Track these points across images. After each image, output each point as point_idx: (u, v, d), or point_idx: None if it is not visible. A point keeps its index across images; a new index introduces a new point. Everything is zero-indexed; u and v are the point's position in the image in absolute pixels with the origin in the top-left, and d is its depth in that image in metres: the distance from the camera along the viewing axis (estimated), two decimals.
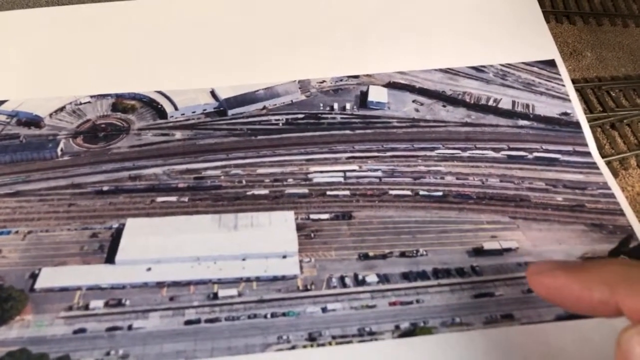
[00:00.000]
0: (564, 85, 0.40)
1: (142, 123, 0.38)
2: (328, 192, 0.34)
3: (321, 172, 0.35)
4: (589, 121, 0.39)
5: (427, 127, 0.38)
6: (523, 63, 0.42)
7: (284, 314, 0.29)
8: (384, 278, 0.30)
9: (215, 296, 0.29)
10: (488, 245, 0.32)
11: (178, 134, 0.37)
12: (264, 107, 0.39)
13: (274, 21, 0.44)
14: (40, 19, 0.43)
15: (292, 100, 0.39)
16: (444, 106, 0.39)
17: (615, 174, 0.39)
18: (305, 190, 0.34)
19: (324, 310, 0.29)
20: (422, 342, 0.28)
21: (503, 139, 0.37)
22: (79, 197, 0.34)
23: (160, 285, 0.30)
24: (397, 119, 0.38)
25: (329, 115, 0.39)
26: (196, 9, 0.45)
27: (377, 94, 0.40)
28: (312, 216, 0.33)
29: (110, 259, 0.31)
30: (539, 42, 0.43)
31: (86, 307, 0.29)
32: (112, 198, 0.34)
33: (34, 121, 0.38)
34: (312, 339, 0.28)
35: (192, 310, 0.29)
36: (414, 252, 0.32)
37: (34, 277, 0.30)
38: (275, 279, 0.30)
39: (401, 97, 0.40)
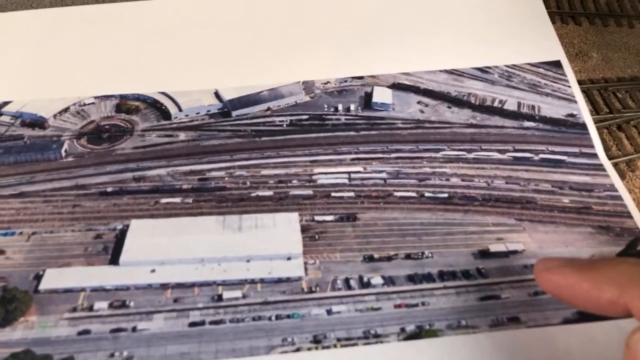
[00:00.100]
0: (570, 87, 0.40)
1: (146, 124, 0.38)
2: (333, 194, 0.34)
3: (326, 173, 0.35)
4: (595, 122, 0.39)
5: (432, 129, 0.38)
6: (528, 64, 0.42)
7: (288, 316, 0.29)
8: (389, 280, 0.30)
9: (220, 298, 0.29)
10: (494, 247, 0.32)
11: (182, 135, 0.37)
12: (268, 108, 0.39)
13: (278, 22, 0.44)
14: (43, 20, 0.43)
15: (296, 102, 0.39)
16: (449, 107, 0.39)
17: (622, 175, 0.39)
18: (309, 192, 0.34)
19: (329, 312, 0.29)
20: (428, 345, 0.28)
21: (509, 140, 0.37)
22: (83, 198, 0.34)
23: (164, 286, 0.30)
24: (401, 120, 0.38)
25: (334, 117, 0.38)
26: (200, 10, 0.45)
27: (381, 95, 0.39)
28: (316, 218, 0.33)
29: (114, 260, 0.31)
30: (545, 43, 0.43)
31: (90, 309, 0.29)
32: (116, 199, 0.34)
33: (38, 122, 0.37)
34: (317, 341, 0.28)
35: (197, 311, 0.29)
36: (420, 254, 0.31)
37: (38, 278, 0.30)
38: (279, 280, 0.30)
39: (406, 98, 0.39)
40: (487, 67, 0.41)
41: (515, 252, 0.31)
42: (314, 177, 0.35)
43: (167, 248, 0.31)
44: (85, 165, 0.35)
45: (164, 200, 0.34)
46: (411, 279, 0.30)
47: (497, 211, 0.34)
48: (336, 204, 0.34)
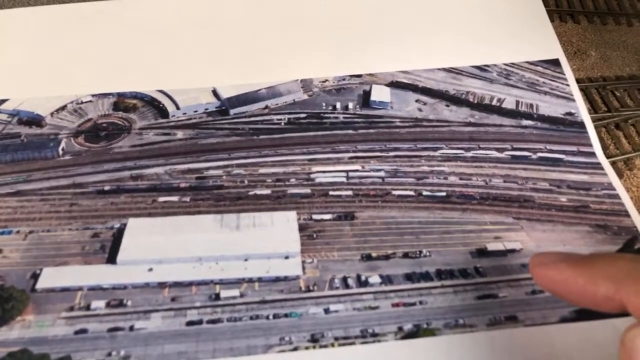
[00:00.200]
0: (568, 85, 0.40)
1: (144, 122, 0.38)
2: (330, 192, 0.34)
3: (324, 172, 0.35)
4: (593, 121, 0.39)
5: (430, 127, 0.38)
6: (527, 62, 0.41)
7: (286, 315, 0.29)
8: (386, 279, 0.30)
9: (217, 297, 0.29)
10: (492, 246, 0.32)
11: (180, 134, 0.37)
12: (266, 107, 0.39)
13: (276, 20, 0.44)
14: (41, 18, 0.43)
15: (294, 100, 0.39)
16: (447, 106, 0.39)
17: (620, 174, 0.39)
18: (307, 191, 0.34)
19: (327, 311, 0.29)
20: (425, 344, 0.28)
21: (507, 139, 0.37)
22: (81, 197, 0.33)
23: (162, 285, 0.30)
24: (400, 119, 0.38)
25: (332, 115, 0.38)
26: (198, 8, 0.44)
27: (379, 94, 0.39)
28: (314, 216, 0.33)
29: (111, 259, 0.31)
30: (543, 42, 0.43)
31: (87, 308, 0.29)
32: (114, 198, 0.33)
33: (35, 120, 0.37)
34: (315, 340, 0.28)
35: (194, 310, 0.29)
36: (417, 253, 0.31)
37: (35, 277, 0.30)
38: (277, 279, 0.30)
39: (404, 96, 0.39)
40: (485, 65, 0.41)
41: (513, 250, 0.31)
42: (312, 176, 0.35)
43: (164, 247, 0.31)
44: (83, 163, 0.35)
45: (161, 199, 0.34)
46: (409, 277, 0.30)
47: (495, 210, 0.34)
48: (334, 203, 0.34)
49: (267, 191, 0.34)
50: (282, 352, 0.27)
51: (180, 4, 0.45)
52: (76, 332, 0.28)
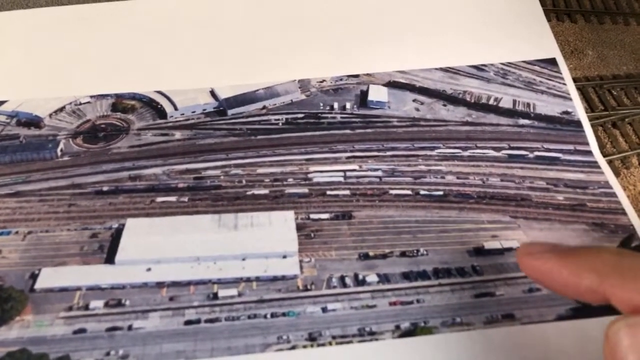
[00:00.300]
0: (565, 84, 0.40)
1: (142, 123, 0.38)
2: (328, 192, 0.34)
3: (321, 171, 0.35)
4: (590, 120, 0.39)
5: (427, 127, 0.38)
6: (524, 62, 0.42)
7: (284, 314, 0.29)
8: (384, 278, 0.30)
9: (215, 296, 0.29)
10: (489, 244, 0.32)
11: (178, 134, 0.37)
12: (264, 107, 0.39)
13: (274, 21, 0.44)
14: (39, 19, 0.43)
15: (292, 100, 0.39)
16: (444, 105, 0.39)
17: (616, 173, 0.39)
18: (305, 190, 0.34)
19: (324, 310, 0.29)
20: (423, 342, 0.28)
21: (504, 138, 0.37)
22: (79, 198, 0.34)
23: (160, 285, 0.30)
24: (397, 118, 0.38)
25: (329, 115, 0.38)
26: (196, 9, 0.45)
27: (377, 93, 0.40)
28: (312, 216, 0.33)
29: (110, 259, 0.31)
30: (540, 41, 0.43)
31: (86, 308, 0.29)
32: (112, 198, 0.34)
33: (33, 121, 0.37)
34: (312, 339, 0.28)
35: (192, 310, 0.29)
36: (415, 251, 0.31)
37: (34, 277, 0.30)
38: (275, 279, 0.30)
39: (401, 96, 0.40)
40: (482, 64, 0.41)
41: (510, 249, 0.32)
42: (310, 176, 0.35)
43: (162, 247, 0.31)
44: (81, 164, 0.35)
45: (159, 199, 0.34)
46: (406, 276, 0.30)
47: (492, 208, 0.34)
48: (332, 202, 0.34)
49: (265, 191, 0.34)
50: (280, 351, 0.27)
51: (178, 5, 0.45)
52: (75, 332, 0.28)
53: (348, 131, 0.38)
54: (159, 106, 0.39)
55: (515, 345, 0.28)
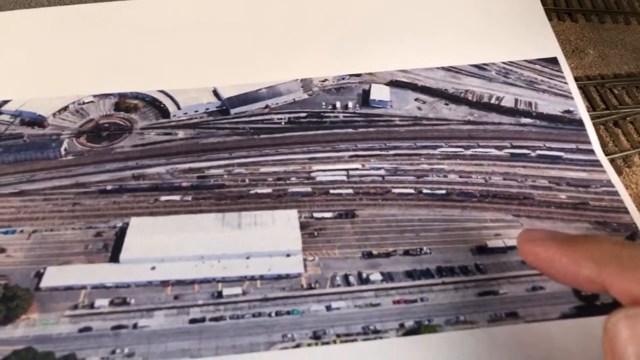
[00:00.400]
0: (566, 83, 0.40)
1: (145, 122, 0.38)
2: (331, 191, 0.34)
3: (324, 170, 0.35)
4: (592, 119, 0.39)
5: (429, 126, 0.38)
6: (525, 61, 0.42)
7: (288, 313, 0.29)
8: (387, 276, 0.30)
9: (220, 295, 0.30)
10: (492, 243, 0.32)
11: (181, 133, 0.37)
12: (267, 106, 0.39)
13: (276, 20, 0.44)
14: (42, 19, 0.44)
15: (294, 99, 0.39)
16: (446, 104, 0.39)
17: (618, 171, 0.40)
18: (308, 189, 0.34)
19: (328, 308, 0.29)
20: (427, 340, 0.28)
21: (506, 137, 0.37)
22: (83, 197, 0.34)
23: (164, 284, 0.30)
24: (399, 117, 0.38)
25: (332, 114, 0.39)
26: (198, 8, 0.45)
27: (379, 93, 0.40)
28: (315, 215, 0.33)
29: (114, 258, 0.31)
30: (541, 40, 0.43)
31: (91, 306, 0.29)
32: (116, 197, 0.34)
33: (37, 121, 0.38)
34: (317, 338, 0.28)
35: (197, 308, 0.29)
36: (418, 250, 0.32)
37: (39, 276, 0.30)
38: (279, 277, 0.30)
39: (403, 95, 0.40)
40: (484, 64, 0.41)
41: (513, 247, 0.32)
42: (313, 175, 0.35)
43: (166, 245, 0.31)
44: (85, 163, 0.35)
45: (163, 198, 0.34)
46: (410, 275, 0.31)
47: (495, 207, 0.34)
48: (335, 201, 0.34)
49: (268, 190, 0.34)
50: (284, 349, 0.28)
51: (180, 5, 0.45)
52: (80, 330, 0.28)
53: (350, 130, 0.38)
54: (162, 105, 0.39)
55: (519, 344, 0.28)
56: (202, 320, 0.29)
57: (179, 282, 0.30)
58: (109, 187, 0.34)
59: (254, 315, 0.29)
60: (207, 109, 0.38)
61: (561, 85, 0.40)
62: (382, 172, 0.35)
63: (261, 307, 0.29)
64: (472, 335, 0.28)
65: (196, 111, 0.38)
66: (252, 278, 0.30)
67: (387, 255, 0.31)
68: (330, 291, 0.30)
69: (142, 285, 0.30)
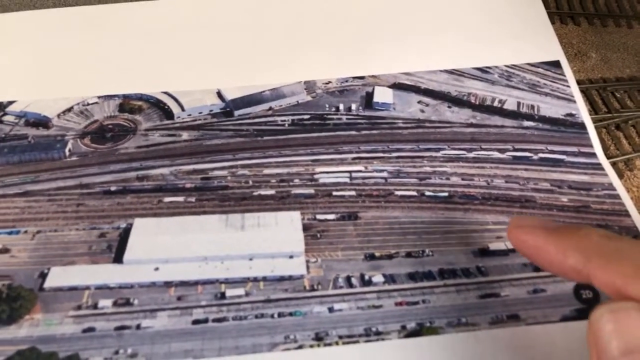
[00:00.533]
0: (569, 86, 0.40)
1: (149, 124, 0.38)
2: (334, 193, 0.35)
3: (327, 172, 0.36)
4: (594, 122, 0.39)
5: (432, 128, 0.38)
6: (528, 64, 0.42)
7: (290, 314, 0.29)
8: (390, 278, 0.31)
9: (223, 296, 0.30)
10: (494, 245, 0.32)
11: (185, 135, 0.37)
12: (270, 108, 0.39)
13: (280, 22, 0.44)
14: (47, 21, 0.44)
15: (297, 101, 0.39)
16: (449, 107, 0.39)
17: (620, 175, 0.40)
18: (311, 191, 0.35)
19: (331, 310, 0.29)
20: (429, 342, 0.28)
21: (508, 139, 0.38)
22: (87, 197, 0.34)
23: (168, 284, 0.30)
24: (402, 120, 0.39)
25: (335, 116, 0.39)
26: (202, 11, 0.45)
27: (382, 95, 0.40)
28: (318, 216, 0.33)
29: (118, 259, 0.31)
30: (544, 43, 0.43)
31: (95, 307, 0.29)
32: (120, 198, 0.34)
33: (42, 122, 0.38)
34: (319, 339, 0.28)
35: (200, 309, 0.29)
36: (420, 252, 0.32)
37: (43, 276, 0.30)
38: (282, 278, 0.30)
39: (406, 98, 0.40)
40: (487, 67, 0.42)
41: (514, 250, 0.32)
42: (316, 176, 0.35)
43: (170, 246, 0.32)
44: (89, 164, 0.36)
45: (167, 199, 0.34)
46: (412, 277, 0.31)
47: (497, 210, 0.34)
48: (337, 203, 0.34)
49: (272, 191, 0.34)
50: (287, 351, 0.28)
51: (185, 7, 0.45)
52: (84, 331, 0.28)
53: (354, 132, 0.38)
54: (166, 107, 0.39)
55: (521, 346, 0.28)
56: (205, 321, 0.29)
57: (183, 283, 0.30)
58: (113, 188, 0.34)
59: (256, 317, 0.29)
60: (211, 110, 0.39)
61: (563, 89, 0.40)
62: (384, 174, 0.36)
63: (264, 308, 0.29)
64: (474, 338, 0.28)
65: (200, 113, 0.39)
66: (255, 279, 0.30)
67: (390, 257, 0.31)
68: (333, 293, 0.30)
69: (145, 286, 0.30)
